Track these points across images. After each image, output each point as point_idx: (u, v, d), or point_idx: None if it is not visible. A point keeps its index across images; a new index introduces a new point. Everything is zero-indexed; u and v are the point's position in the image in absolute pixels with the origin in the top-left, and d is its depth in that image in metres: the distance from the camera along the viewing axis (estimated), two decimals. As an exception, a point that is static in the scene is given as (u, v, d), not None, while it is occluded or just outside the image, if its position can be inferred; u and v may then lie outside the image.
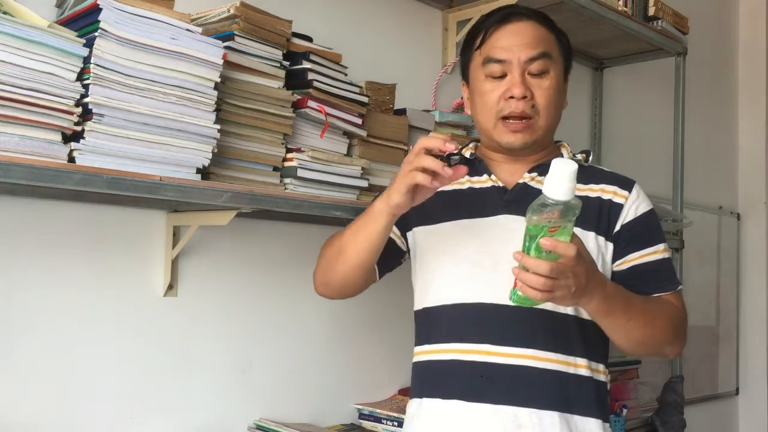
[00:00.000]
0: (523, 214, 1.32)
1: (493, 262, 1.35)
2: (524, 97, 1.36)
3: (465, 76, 1.50)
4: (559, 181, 1.06)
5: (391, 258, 1.50)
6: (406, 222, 1.47)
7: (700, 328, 3.58)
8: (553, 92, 1.39)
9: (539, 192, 1.38)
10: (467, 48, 1.48)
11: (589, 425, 1.35)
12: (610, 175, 1.47)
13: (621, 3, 2.48)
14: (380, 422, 1.95)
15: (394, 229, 1.47)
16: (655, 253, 1.41)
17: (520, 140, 1.39)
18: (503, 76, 1.38)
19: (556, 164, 1.07)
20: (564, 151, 1.47)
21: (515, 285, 1.14)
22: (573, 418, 1.33)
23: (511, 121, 1.38)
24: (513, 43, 1.38)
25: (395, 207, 1.28)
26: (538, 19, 1.42)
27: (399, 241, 1.50)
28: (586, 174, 1.44)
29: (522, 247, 1.12)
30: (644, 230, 1.41)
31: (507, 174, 1.45)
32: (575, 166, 1.07)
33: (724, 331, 3.78)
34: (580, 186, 1.42)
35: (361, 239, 1.36)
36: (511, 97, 1.36)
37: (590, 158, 1.48)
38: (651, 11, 2.64)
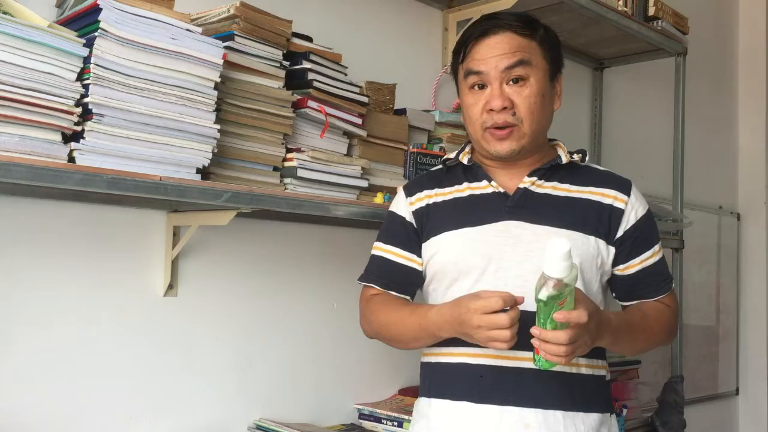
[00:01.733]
0: (526, 220, 1.39)
1: (497, 268, 1.38)
2: (504, 108, 1.38)
3: (457, 88, 1.53)
4: (558, 261, 1.15)
5: (421, 285, 1.53)
6: (419, 242, 1.49)
7: (700, 328, 3.58)
8: (534, 99, 1.39)
9: (541, 196, 1.43)
10: (455, 61, 1.51)
11: (594, 420, 1.39)
12: (607, 175, 1.49)
13: (621, 3, 2.47)
14: (380, 422, 1.95)
15: (416, 258, 1.50)
16: (653, 255, 1.48)
17: (506, 148, 1.40)
18: (484, 87, 1.41)
19: (552, 247, 1.16)
20: (560, 150, 1.48)
21: (537, 352, 1.23)
22: (577, 415, 1.37)
23: (495, 130, 1.40)
24: (490, 54, 1.40)
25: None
26: (517, 29, 1.41)
27: (420, 267, 1.51)
28: (583, 176, 1.47)
29: (536, 321, 1.21)
30: (644, 234, 1.47)
31: (506, 179, 1.46)
32: (569, 245, 1.15)
33: (724, 331, 3.78)
34: (580, 189, 1.44)
35: (423, 344, 1.45)
36: (492, 110, 1.39)
37: (586, 158, 1.50)
38: (651, 11, 2.63)
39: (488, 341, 1.26)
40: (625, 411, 2.42)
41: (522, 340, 1.27)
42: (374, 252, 1.54)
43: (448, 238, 1.44)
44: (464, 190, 1.48)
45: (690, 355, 3.32)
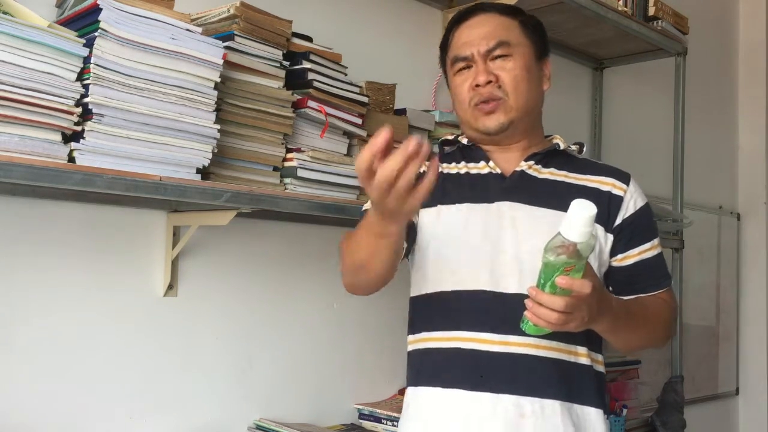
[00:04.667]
0: (522, 201, 1.36)
1: (492, 249, 1.35)
2: (489, 82, 1.39)
3: (448, 83, 1.52)
4: (579, 224, 1.05)
5: (410, 237, 1.42)
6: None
7: (700, 328, 3.57)
8: (519, 72, 1.40)
9: (538, 180, 1.41)
10: (442, 54, 1.52)
11: (589, 414, 1.36)
12: (606, 167, 1.49)
13: (621, 3, 2.47)
14: (380, 422, 1.95)
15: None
16: (652, 248, 1.45)
17: (494, 121, 1.40)
18: (470, 68, 1.42)
19: (576, 206, 1.05)
20: (558, 141, 1.46)
21: (527, 315, 1.15)
22: (573, 407, 1.34)
23: (482, 104, 1.40)
24: (471, 37, 1.42)
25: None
26: (497, 10, 1.45)
27: (415, 218, 1.42)
28: (581, 165, 1.46)
29: (536, 281, 1.12)
30: (643, 225, 1.44)
31: (503, 161, 1.44)
32: (595, 210, 1.05)
33: (724, 331, 3.77)
34: (577, 176, 1.43)
35: (374, 252, 1.25)
36: (477, 86, 1.39)
37: (584, 149, 1.49)
38: (651, 11, 2.63)
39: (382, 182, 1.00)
40: (625, 411, 2.42)
41: (512, 324, 1.24)
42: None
43: (442, 212, 1.40)
44: (462, 168, 1.46)
45: (690, 355, 3.32)
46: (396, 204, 1.03)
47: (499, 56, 1.40)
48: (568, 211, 1.06)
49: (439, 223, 1.40)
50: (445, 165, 1.47)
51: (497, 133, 1.41)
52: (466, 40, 1.42)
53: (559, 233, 1.07)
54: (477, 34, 1.42)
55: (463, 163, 1.46)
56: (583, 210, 1.05)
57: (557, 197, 1.36)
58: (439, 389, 1.36)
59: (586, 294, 1.10)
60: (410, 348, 1.46)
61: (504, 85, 1.39)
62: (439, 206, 1.41)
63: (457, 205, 1.40)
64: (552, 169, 1.43)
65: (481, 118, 1.41)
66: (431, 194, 1.35)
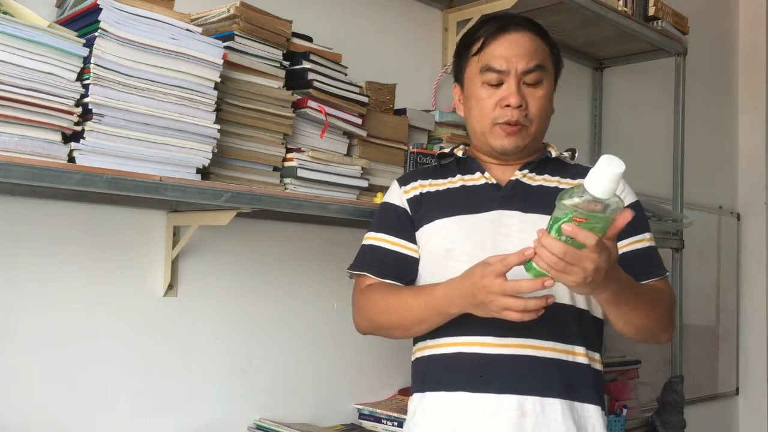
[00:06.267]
0: (518, 209, 1.40)
1: (491, 257, 1.35)
2: (519, 106, 1.41)
3: (459, 78, 1.54)
4: (601, 178, 1.04)
5: (416, 274, 1.51)
6: (413, 230, 1.49)
7: (700, 328, 3.58)
8: (544, 101, 1.45)
9: (533, 188, 1.44)
10: (463, 52, 1.51)
11: (588, 411, 1.39)
12: None
13: (621, 3, 2.47)
14: (380, 422, 1.95)
15: (411, 245, 1.49)
16: (642, 241, 1.46)
17: (513, 143, 1.44)
18: (499, 84, 1.44)
19: (604, 160, 1.03)
20: (552, 149, 1.51)
21: (532, 256, 1.16)
22: (574, 405, 1.37)
23: (506, 125, 1.43)
24: (511, 53, 1.43)
25: None
26: (534, 30, 1.47)
27: (416, 254, 1.50)
28: (572, 171, 1.50)
29: (547, 224, 1.14)
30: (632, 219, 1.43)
31: (499, 172, 1.49)
32: (622, 168, 1.03)
33: (724, 331, 3.78)
34: (569, 181, 1.47)
35: (429, 325, 1.40)
36: (507, 106, 1.42)
37: (576, 155, 1.53)
38: (651, 11, 2.64)
39: (502, 310, 1.23)
40: (625, 411, 2.42)
41: (512, 327, 1.28)
42: (365, 242, 1.53)
43: (440, 226, 1.45)
44: (457, 181, 1.50)
45: (690, 355, 3.32)
46: (497, 306, 1.23)
47: (532, 82, 1.43)
48: (597, 163, 1.05)
49: (439, 237, 1.45)
50: (440, 181, 1.51)
51: (510, 154, 1.46)
52: (506, 54, 1.43)
53: (581, 183, 1.06)
54: (517, 51, 1.43)
55: (458, 176, 1.50)
56: (608, 166, 1.03)
57: (551, 203, 1.36)
58: (443, 393, 1.40)
59: (591, 246, 1.11)
60: (416, 356, 1.49)
61: (530, 113, 1.43)
62: (437, 221, 1.45)
63: (454, 217, 1.44)
64: (546, 176, 1.48)
65: (500, 138, 1.44)
66: (430, 210, 1.46)
